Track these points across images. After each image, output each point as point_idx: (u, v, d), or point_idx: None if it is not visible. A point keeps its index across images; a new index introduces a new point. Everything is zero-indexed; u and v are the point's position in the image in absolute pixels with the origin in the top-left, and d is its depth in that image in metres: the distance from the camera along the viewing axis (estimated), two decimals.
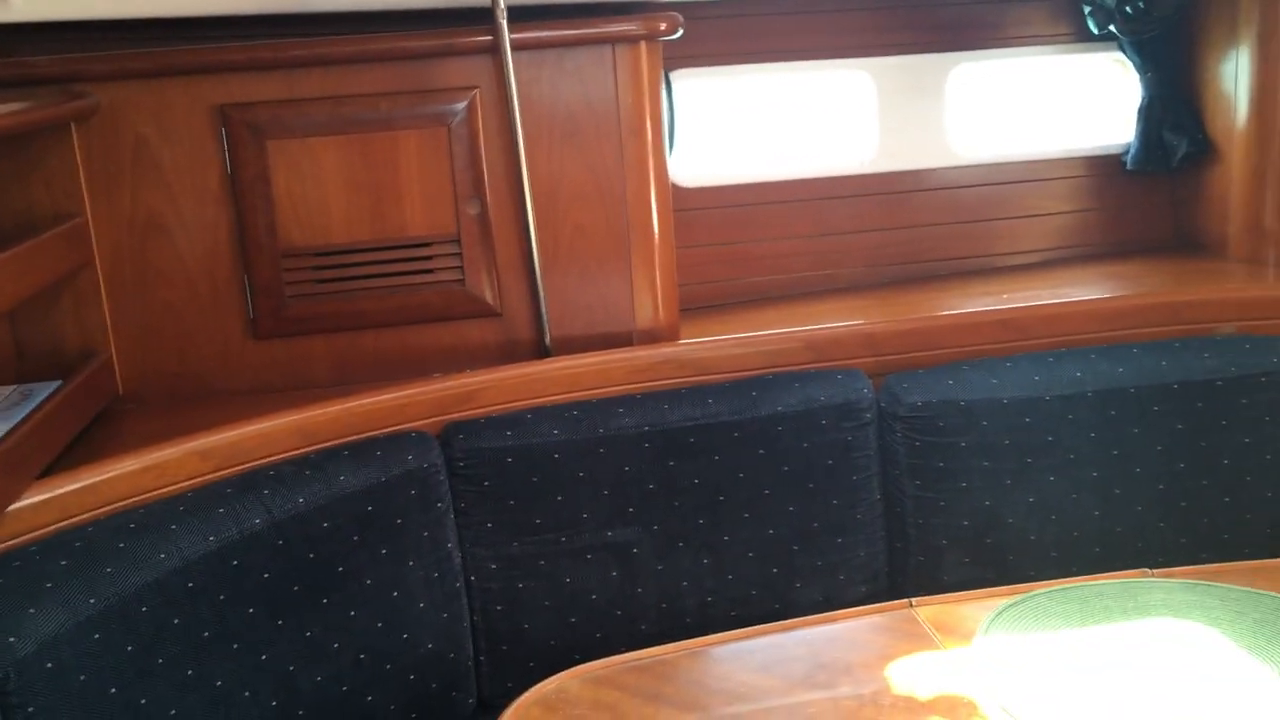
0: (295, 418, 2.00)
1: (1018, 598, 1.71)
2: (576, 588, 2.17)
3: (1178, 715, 1.42)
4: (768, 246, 2.73)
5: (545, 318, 2.30)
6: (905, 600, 1.78)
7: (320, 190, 2.16)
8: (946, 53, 2.75)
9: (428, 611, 2.03)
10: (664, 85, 2.40)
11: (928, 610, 1.75)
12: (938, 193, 2.81)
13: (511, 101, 2.17)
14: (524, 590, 2.14)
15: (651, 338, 2.35)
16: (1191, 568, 1.81)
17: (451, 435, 2.12)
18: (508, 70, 2.15)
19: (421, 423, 2.13)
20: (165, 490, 1.83)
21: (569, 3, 2.28)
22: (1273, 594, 1.68)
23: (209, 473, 1.88)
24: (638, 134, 2.27)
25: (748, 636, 1.74)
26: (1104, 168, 2.87)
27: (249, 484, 1.87)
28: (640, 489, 2.18)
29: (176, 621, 1.68)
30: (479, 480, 2.11)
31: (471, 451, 2.11)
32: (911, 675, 1.57)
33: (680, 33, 2.27)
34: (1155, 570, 1.81)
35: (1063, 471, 2.28)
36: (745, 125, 2.76)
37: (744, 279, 2.73)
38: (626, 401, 2.22)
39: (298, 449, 1.99)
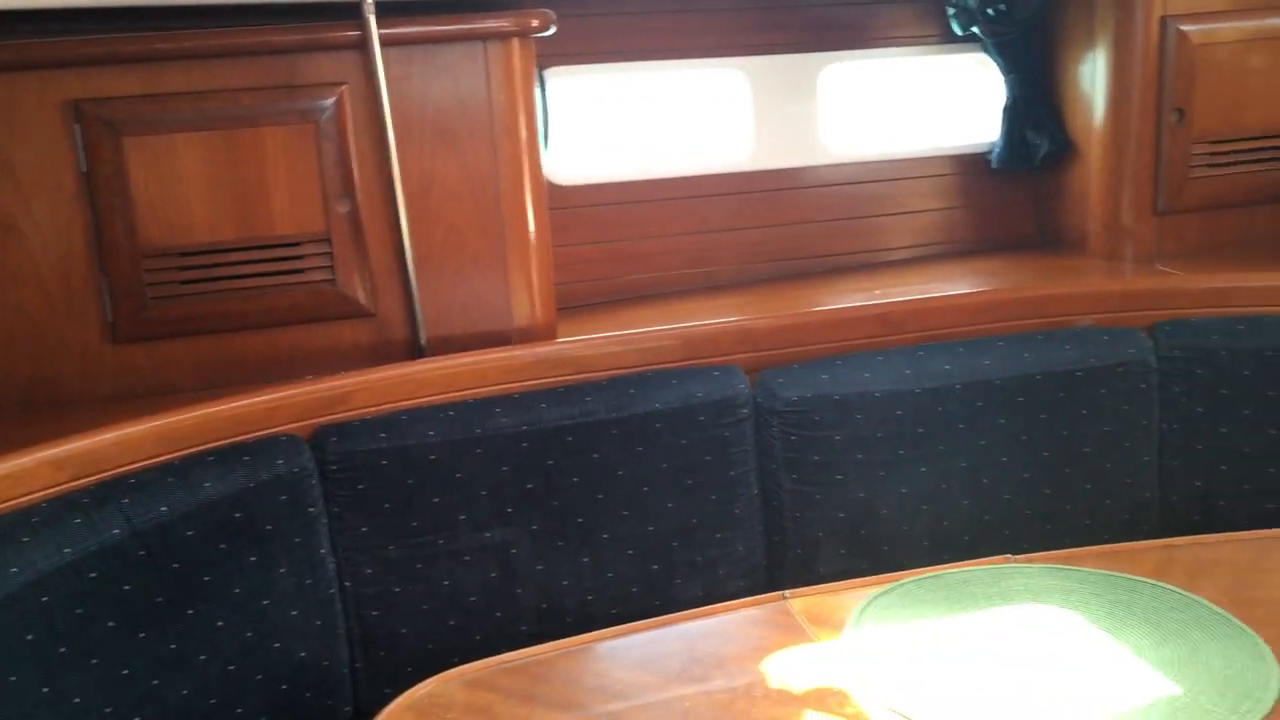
0: (157, 424, 1.93)
1: (886, 587, 1.75)
2: (454, 590, 2.14)
3: (1037, 699, 1.46)
4: (645, 244, 2.74)
5: (420, 317, 2.27)
6: (780, 593, 1.80)
7: (182, 188, 2.10)
8: (818, 53, 2.79)
9: (300, 619, 1.98)
10: (538, 83, 2.39)
11: (801, 602, 1.77)
12: (812, 191, 2.85)
13: (381, 98, 2.14)
14: (400, 594, 2.11)
15: (529, 336, 2.34)
16: (1052, 553, 1.87)
17: (324, 438, 2.08)
18: (376, 66, 2.12)
19: (292, 426, 2.08)
20: (17, 502, 1.75)
21: None
22: (1127, 576, 1.74)
23: (64, 482, 1.81)
24: (511, 132, 2.25)
25: (625, 633, 1.75)
26: (971, 166, 2.95)
27: (107, 493, 1.80)
28: (518, 489, 2.17)
29: (30, 638, 1.61)
30: (353, 483, 2.07)
31: (345, 454, 2.07)
32: (784, 667, 1.59)
33: (553, 30, 2.26)
34: (1018, 556, 1.87)
35: (933, 462, 2.34)
36: (622, 123, 2.77)
37: (622, 277, 2.73)
38: (504, 401, 2.20)
39: (160, 456, 1.92)
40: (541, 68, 2.52)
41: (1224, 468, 2.39)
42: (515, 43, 2.22)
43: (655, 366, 2.33)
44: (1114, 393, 2.37)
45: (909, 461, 2.33)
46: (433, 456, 2.11)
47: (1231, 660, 1.52)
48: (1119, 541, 2.20)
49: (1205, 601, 1.66)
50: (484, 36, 2.19)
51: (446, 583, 2.14)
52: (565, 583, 2.21)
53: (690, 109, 2.81)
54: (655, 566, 2.26)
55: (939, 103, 2.99)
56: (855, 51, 2.84)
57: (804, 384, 2.31)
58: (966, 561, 1.89)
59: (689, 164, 2.76)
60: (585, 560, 2.22)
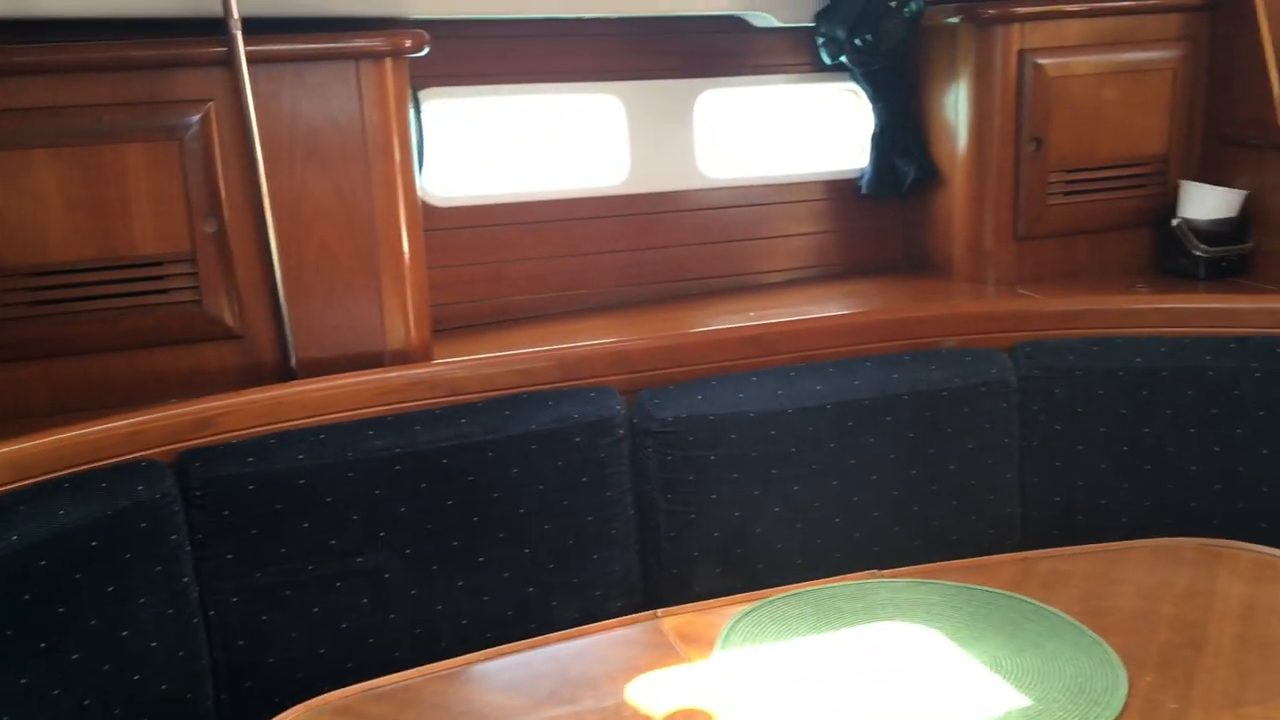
0: (8, 449, 1.86)
1: (755, 605, 1.78)
2: (325, 617, 2.10)
3: (895, 714, 1.50)
4: (522, 266, 2.74)
5: (290, 339, 2.23)
6: (652, 612, 1.82)
7: (35, 205, 2.03)
8: (694, 79, 2.83)
9: (161, 651, 1.92)
10: (413, 104, 2.38)
11: (673, 621, 1.78)
12: (688, 214, 2.89)
13: (248, 116, 2.10)
14: (268, 623, 2.06)
15: (403, 358, 2.32)
16: (916, 567, 1.92)
17: (187, 464, 2.02)
18: (243, 83, 2.08)
19: (154, 451, 2.02)
20: None
21: (310, 16, 2.23)
22: (986, 588, 1.80)
23: None
24: (385, 152, 2.23)
25: (496, 656, 1.74)
26: (842, 192, 3.02)
27: None
28: (391, 512, 2.14)
29: None
30: (218, 510, 2.02)
31: (209, 480, 2.02)
32: (655, 687, 1.60)
33: (427, 50, 2.25)
34: (884, 571, 1.91)
35: (805, 481, 2.38)
36: (499, 146, 2.77)
37: (499, 298, 2.72)
38: (377, 424, 2.18)
39: (11, 483, 1.85)
40: (417, 89, 2.51)
41: (1081, 482, 2.48)
42: (388, 63, 2.21)
43: (531, 388, 2.32)
44: (977, 411, 2.45)
45: (782, 480, 2.36)
46: (302, 481, 2.07)
47: (1082, 668, 1.58)
48: (984, 555, 2.27)
49: (1059, 612, 1.72)
50: (356, 56, 2.18)
51: (317, 610, 2.10)
52: (440, 607, 2.19)
53: (567, 132, 2.82)
54: (531, 589, 2.26)
55: (812, 129, 3.06)
56: (731, 78, 2.90)
57: (679, 404, 2.33)
58: (835, 577, 1.93)
59: (566, 186, 2.77)
60: (460, 584, 2.20)
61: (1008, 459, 2.48)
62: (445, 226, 2.65)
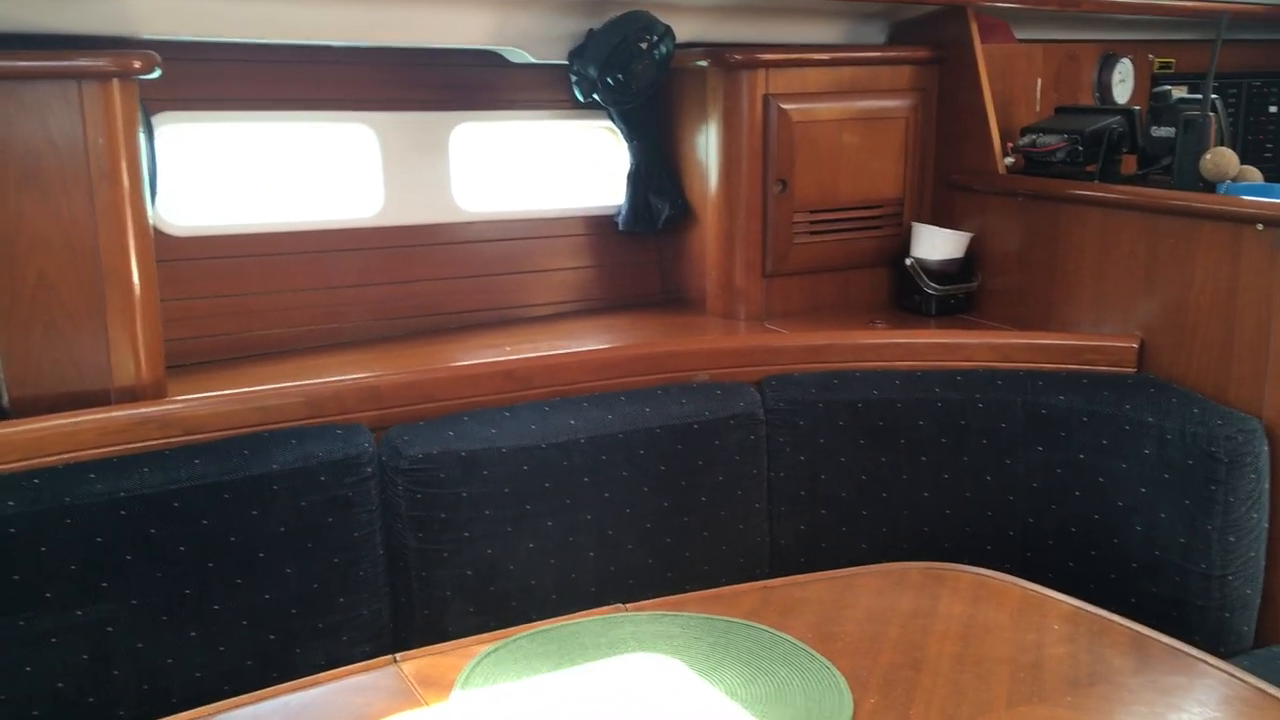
0: None
1: (497, 644, 1.75)
2: (38, 677, 1.95)
3: None
4: (268, 299, 2.64)
5: (2, 376, 2.06)
6: (390, 656, 1.76)
7: None
8: (450, 111, 2.81)
9: None
10: (145, 128, 2.26)
11: (414, 664, 1.73)
12: (445, 248, 2.86)
13: None
14: None
15: (132, 396, 2.18)
16: (660, 599, 1.94)
17: None
18: None
19: None
20: None
21: (33, 33, 2.09)
22: (725, 618, 1.83)
23: None
24: (111, 178, 2.10)
25: (222, 710, 1.64)
26: (601, 227, 3.06)
27: None
28: (115, 561, 2.01)
29: None
30: None
31: None
32: None
33: (158, 72, 2.15)
34: (628, 605, 1.92)
35: (559, 516, 2.38)
36: (244, 174, 2.67)
37: (243, 333, 2.61)
38: (100, 466, 2.04)
39: None
40: (150, 113, 2.38)
41: (824, 511, 2.58)
42: (115, 84, 2.09)
43: (274, 426, 2.23)
44: (726, 444, 2.51)
45: (535, 516, 2.35)
46: (12, 530, 1.92)
47: (811, 693, 1.62)
48: (735, 584, 2.32)
49: (791, 638, 1.77)
50: (78, 75, 2.05)
51: (29, 669, 1.94)
52: (170, 660, 2.07)
53: (318, 162, 2.75)
54: (272, 636, 2.16)
55: (571, 166, 3.09)
56: (487, 112, 2.89)
57: (430, 441, 2.29)
58: (586, 612, 1.93)
59: (316, 218, 2.69)
60: (193, 634, 2.08)
61: (756, 489, 2.55)
62: (183, 257, 2.52)
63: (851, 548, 2.58)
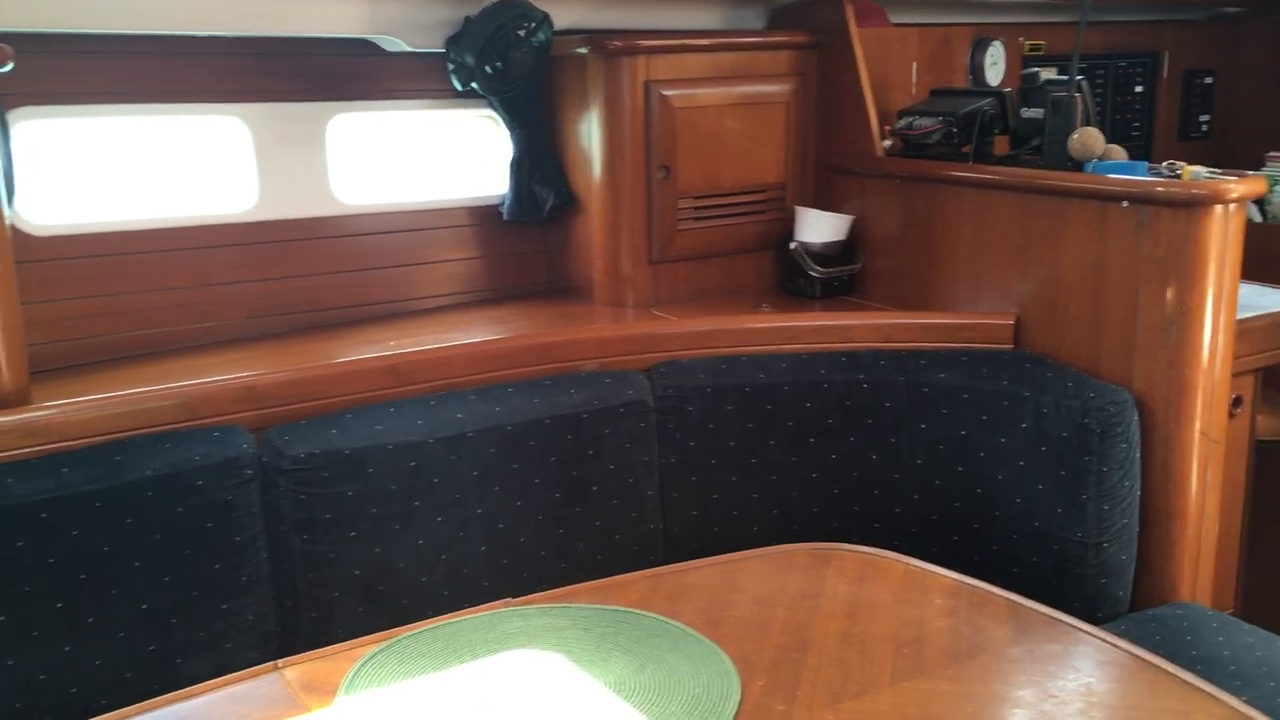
0: None
1: (381, 646, 1.72)
2: None
3: None
4: (139, 299, 2.55)
5: None
6: (272, 663, 1.72)
7: None
8: (325, 102, 2.75)
9: None
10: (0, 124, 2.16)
11: (296, 670, 1.70)
12: (326, 241, 2.80)
13: None
14: None
15: None
16: (548, 592, 1.93)
17: None
18: None
19: None
20: None
21: None
22: (614, 608, 1.83)
23: None
24: None
25: None
26: (485, 218, 3.03)
27: None
28: None
29: None
30: None
31: None
32: None
33: (11, 66, 2.05)
34: (517, 599, 1.91)
35: (449, 511, 2.35)
36: (108, 169, 2.57)
37: (113, 335, 2.52)
38: None
39: None
40: (6, 109, 2.28)
41: (715, 496, 2.59)
42: None
43: (147, 430, 2.16)
44: (617, 432, 2.50)
45: (425, 512, 2.32)
46: None
47: (700, 679, 1.63)
48: (630, 572, 2.31)
49: (681, 625, 1.77)
50: None
51: None
52: (43, 677, 1.99)
53: (188, 157, 2.66)
54: (152, 648, 2.09)
55: (453, 155, 3.04)
56: (365, 102, 2.83)
57: (312, 440, 2.24)
58: (475, 608, 1.91)
59: (186, 213, 2.61)
60: (67, 649, 2.00)
61: (648, 477, 2.55)
62: (46, 258, 2.42)
63: (743, 531, 2.59)
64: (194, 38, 2.52)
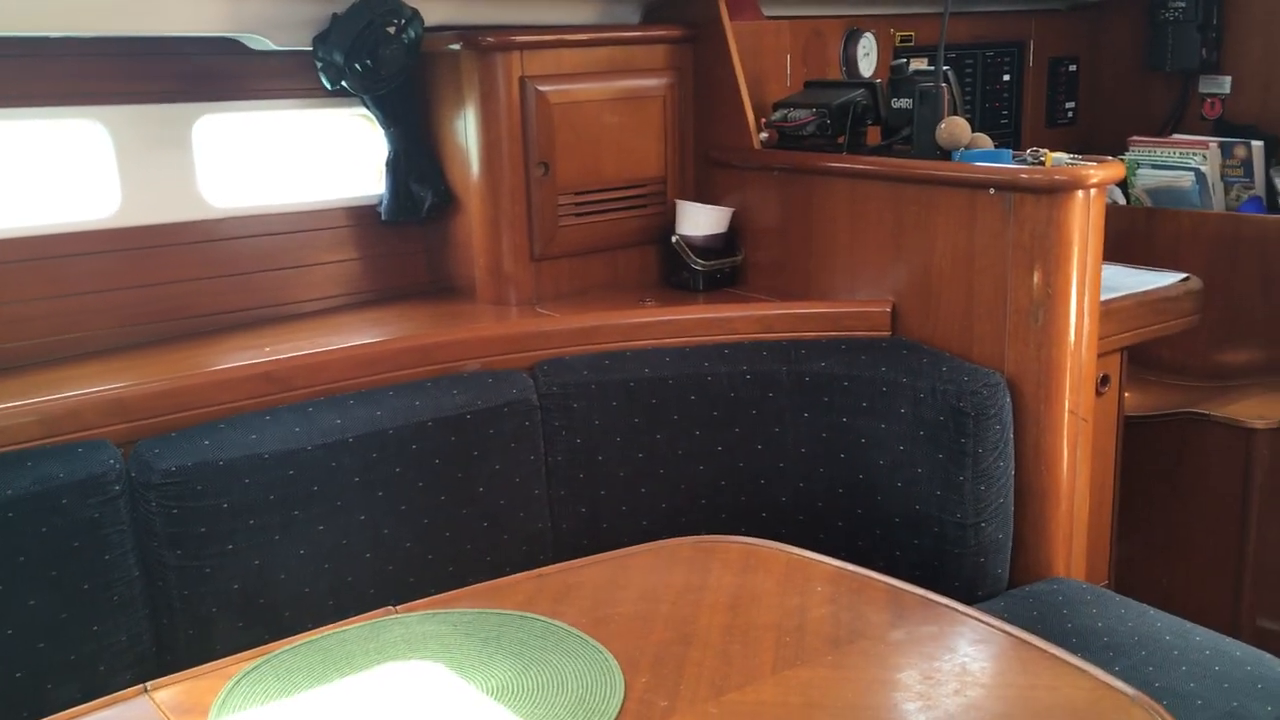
0: None
1: (255, 663, 1.68)
2: None
3: None
4: None
5: None
6: (140, 686, 1.66)
7: None
8: (190, 103, 2.66)
9: None
10: None
11: (168, 692, 1.64)
12: (196, 247, 2.71)
13: None
14: None
15: None
16: (431, 598, 1.91)
17: None
18: None
19: None
20: None
21: None
22: (498, 611, 1.82)
23: None
24: None
25: None
26: (362, 218, 2.97)
27: None
28: None
29: None
30: None
31: None
32: None
33: None
34: (399, 606, 1.88)
35: (331, 519, 2.30)
36: None
37: None
38: None
39: None
40: None
41: (603, 492, 2.59)
42: None
43: (5, 448, 2.08)
44: (502, 432, 2.48)
45: (305, 521, 2.27)
46: None
47: (584, 680, 1.63)
48: (520, 572, 2.29)
49: (565, 625, 1.76)
50: None
51: None
52: None
53: (44, 161, 2.55)
54: (19, 674, 2.01)
55: (328, 156, 2.98)
56: (233, 103, 2.75)
57: (184, 452, 2.18)
58: (353, 619, 1.87)
59: (42, 221, 2.50)
60: None
61: (535, 476, 2.54)
62: None
63: (633, 526, 2.60)
64: (45, 39, 2.42)
